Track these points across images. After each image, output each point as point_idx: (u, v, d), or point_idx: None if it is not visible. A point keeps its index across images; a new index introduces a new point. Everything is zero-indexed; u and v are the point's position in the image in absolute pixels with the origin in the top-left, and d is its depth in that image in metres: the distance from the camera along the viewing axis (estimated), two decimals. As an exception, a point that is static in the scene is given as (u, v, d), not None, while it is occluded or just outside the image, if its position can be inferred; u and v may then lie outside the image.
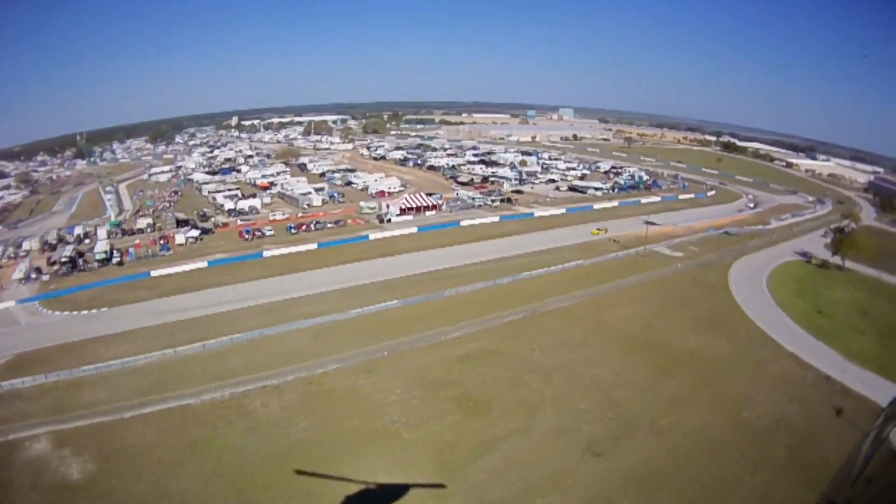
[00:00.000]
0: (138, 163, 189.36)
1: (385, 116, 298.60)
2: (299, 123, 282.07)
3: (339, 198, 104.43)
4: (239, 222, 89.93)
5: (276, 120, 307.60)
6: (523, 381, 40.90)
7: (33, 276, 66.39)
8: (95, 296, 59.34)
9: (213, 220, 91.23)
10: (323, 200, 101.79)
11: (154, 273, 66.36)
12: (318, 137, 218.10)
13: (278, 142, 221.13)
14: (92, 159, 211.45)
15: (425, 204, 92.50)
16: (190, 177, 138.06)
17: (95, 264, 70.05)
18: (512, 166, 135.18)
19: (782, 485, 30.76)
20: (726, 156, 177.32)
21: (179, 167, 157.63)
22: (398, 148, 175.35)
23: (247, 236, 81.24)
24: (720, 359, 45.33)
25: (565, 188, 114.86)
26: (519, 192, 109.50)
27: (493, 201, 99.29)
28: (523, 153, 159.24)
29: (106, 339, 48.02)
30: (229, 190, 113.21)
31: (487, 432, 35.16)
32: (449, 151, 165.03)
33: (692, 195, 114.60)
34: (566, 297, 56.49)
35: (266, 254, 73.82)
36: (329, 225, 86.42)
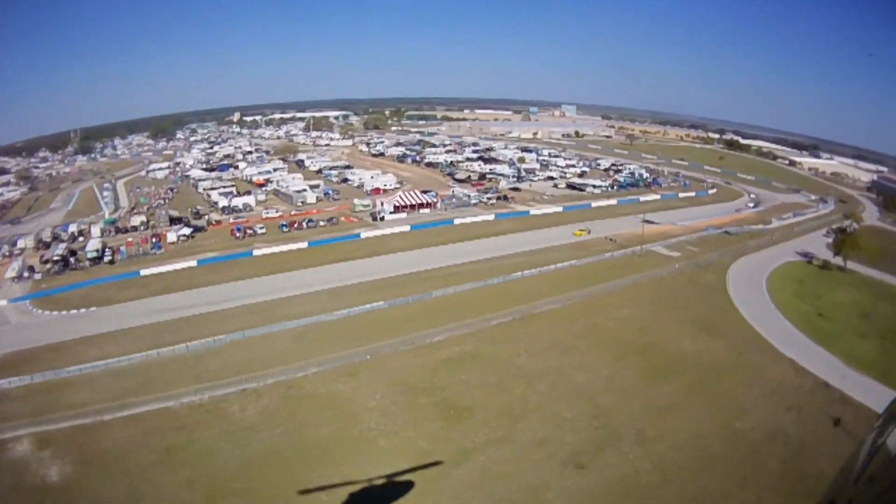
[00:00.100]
0: (138, 159, 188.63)
1: (387, 112, 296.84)
2: (301, 119, 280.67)
3: (334, 195, 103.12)
4: (231, 220, 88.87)
5: (277, 116, 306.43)
6: (507, 387, 39.53)
7: (26, 274, 65.73)
8: (85, 295, 58.81)
9: (206, 217, 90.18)
10: (317, 198, 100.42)
11: (144, 272, 65.58)
12: (318, 134, 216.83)
13: (279, 138, 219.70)
14: (92, 155, 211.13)
15: (420, 201, 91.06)
16: (187, 173, 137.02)
17: (87, 263, 69.34)
18: (511, 163, 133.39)
19: (774, 500, 29.30)
20: (729, 153, 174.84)
21: (178, 164, 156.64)
22: (398, 144, 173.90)
23: (238, 234, 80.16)
24: (715, 364, 43.75)
25: (563, 186, 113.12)
26: (516, 189, 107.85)
27: (488, 199, 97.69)
28: (523, 150, 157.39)
29: (93, 339, 47.61)
30: (224, 187, 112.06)
31: (467, 441, 33.88)
32: (448, 148, 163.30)
33: (693, 193, 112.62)
34: (558, 299, 54.97)
35: (256, 252, 72.76)
36: (321, 223, 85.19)
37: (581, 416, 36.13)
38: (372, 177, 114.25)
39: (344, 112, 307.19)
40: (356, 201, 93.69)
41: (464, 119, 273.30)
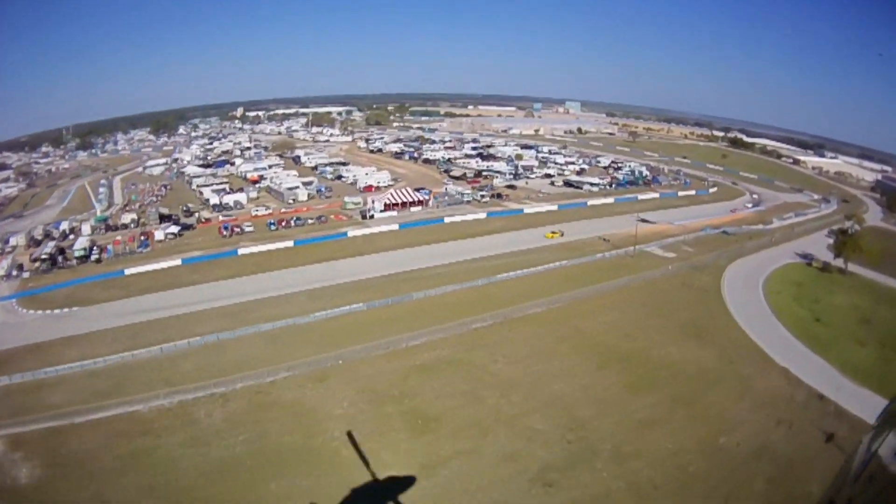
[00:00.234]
0: (138, 154, 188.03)
1: (391, 108, 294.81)
2: (304, 115, 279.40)
3: (326, 192, 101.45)
4: (220, 218, 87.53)
5: (280, 111, 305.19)
6: (480, 396, 37.70)
7: (14, 273, 65.37)
8: (69, 294, 58.52)
9: (197, 215, 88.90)
10: (309, 195, 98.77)
11: (128, 271, 64.92)
12: (318, 129, 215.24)
13: (279, 133, 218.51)
14: (93, 151, 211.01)
15: (411, 199, 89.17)
16: (183, 170, 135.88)
17: (74, 261, 68.67)
18: (508, 160, 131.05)
19: (755, 525, 27.29)
20: (733, 152, 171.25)
21: (176, 160, 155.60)
22: (397, 140, 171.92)
23: (225, 233, 78.79)
24: (702, 374, 41.64)
25: (561, 184, 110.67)
26: (512, 187, 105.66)
27: (482, 197, 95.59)
28: (523, 147, 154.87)
29: (72, 339, 47.14)
30: (218, 184, 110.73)
31: (432, 453, 32.16)
32: (447, 144, 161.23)
33: (693, 192, 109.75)
34: (542, 302, 52.94)
35: (241, 251, 71.46)
36: (310, 221, 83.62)
37: (555, 429, 34.21)
38: (366, 174, 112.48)
39: (347, 108, 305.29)
40: (347, 199, 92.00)
41: (466, 115, 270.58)
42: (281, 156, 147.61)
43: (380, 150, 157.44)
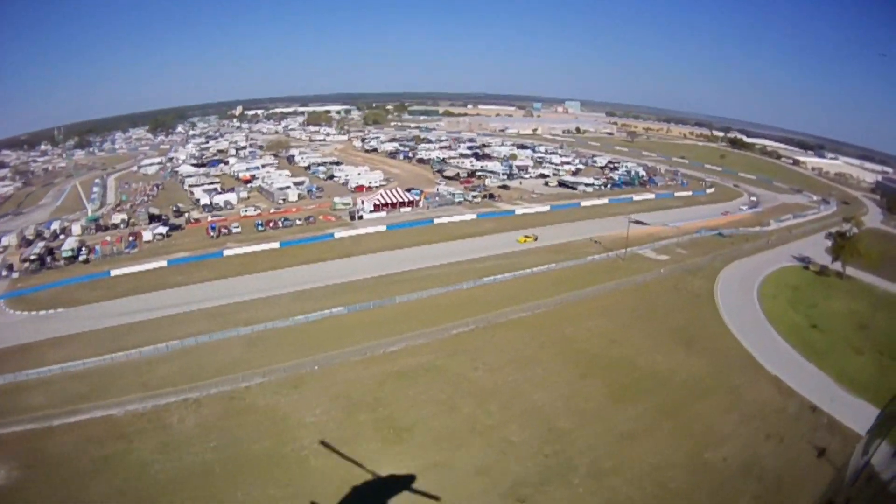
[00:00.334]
0: (135, 153, 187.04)
1: (391, 107, 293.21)
2: (303, 114, 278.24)
3: (317, 192, 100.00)
4: (209, 218, 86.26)
5: (280, 110, 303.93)
6: (456, 406, 36.22)
7: (4, 273, 64.90)
8: (55, 295, 57.85)
9: (186, 215, 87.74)
10: (299, 195, 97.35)
11: (114, 272, 64.13)
12: (315, 129, 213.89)
13: (276, 132, 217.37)
14: (90, 149, 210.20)
15: (401, 200, 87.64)
16: (177, 169, 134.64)
17: (62, 262, 68.02)
18: (503, 160, 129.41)
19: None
20: (732, 152, 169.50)
21: (171, 159, 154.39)
22: (393, 140, 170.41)
23: (212, 233, 77.53)
24: (690, 383, 40.02)
25: (555, 184, 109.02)
26: (505, 187, 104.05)
27: (474, 197, 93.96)
28: (519, 146, 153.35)
29: (55, 341, 46.76)
30: (209, 184, 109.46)
31: (401, 465, 30.60)
32: (443, 144, 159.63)
33: (689, 192, 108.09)
34: (527, 307, 51.39)
35: (227, 252, 70.30)
36: (298, 222, 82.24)
37: (531, 442, 32.65)
38: (359, 174, 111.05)
39: (346, 107, 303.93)
40: (336, 199, 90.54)
41: (465, 115, 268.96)
42: (276, 155, 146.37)
43: (375, 150, 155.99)
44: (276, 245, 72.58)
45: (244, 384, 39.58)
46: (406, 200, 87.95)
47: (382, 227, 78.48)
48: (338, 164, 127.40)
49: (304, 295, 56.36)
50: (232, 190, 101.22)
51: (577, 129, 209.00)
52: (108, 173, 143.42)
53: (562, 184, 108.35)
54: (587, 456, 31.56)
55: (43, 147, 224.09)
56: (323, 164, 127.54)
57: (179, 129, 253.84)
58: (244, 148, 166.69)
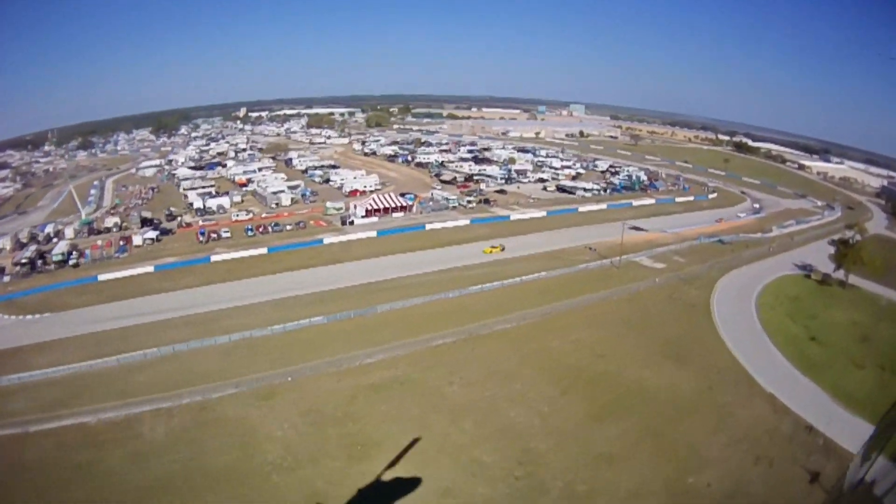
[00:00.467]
0: (136, 155, 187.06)
1: (396, 109, 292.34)
2: (307, 115, 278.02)
3: (311, 197, 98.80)
4: (200, 222, 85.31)
5: (284, 111, 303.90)
6: (428, 422, 34.55)
7: None
8: (44, 300, 57.37)
9: (179, 219, 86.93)
10: (293, 199, 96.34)
11: (102, 277, 63.47)
12: (317, 131, 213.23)
13: (278, 135, 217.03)
14: (92, 151, 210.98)
15: (394, 205, 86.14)
16: (174, 172, 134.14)
17: (52, 266, 67.63)
18: (502, 164, 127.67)
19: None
20: (736, 156, 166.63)
21: (171, 161, 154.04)
22: (394, 143, 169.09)
23: (202, 238, 76.50)
24: (677, 401, 37.97)
25: (554, 188, 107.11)
26: (502, 191, 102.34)
27: (469, 202, 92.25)
28: (520, 150, 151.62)
29: (39, 346, 46.49)
30: (204, 187, 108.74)
31: (364, 484, 29.03)
32: (443, 147, 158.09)
33: (691, 197, 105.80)
34: (513, 317, 49.57)
35: (214, 258, 69.25)
36: (288, 227, 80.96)
37: (503, 463, 30.86)
38: (355, 178, 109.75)
39: (350, 109, 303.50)
40: (329, 204, 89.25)
41: (468, 117, 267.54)
42: (274, 158, 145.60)
43: (374, 153, 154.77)
44: (264, 251, 71.27)
45: (216, 395, 38.73)
46: (399, 205, 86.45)
47: (373, 233, 77.08)
48: (335, 167, 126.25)
49: (286, 303, 55.21)
50: (226, 194, 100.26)
51: (581, 133, 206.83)
52: (106, 175, 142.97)
53: (560, 188, 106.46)
54: (561, 479, 29.72)
55: (46, 148, 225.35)
56: (320, 167, 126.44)
57: (183, 130, 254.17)
58: (244, 150, 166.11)
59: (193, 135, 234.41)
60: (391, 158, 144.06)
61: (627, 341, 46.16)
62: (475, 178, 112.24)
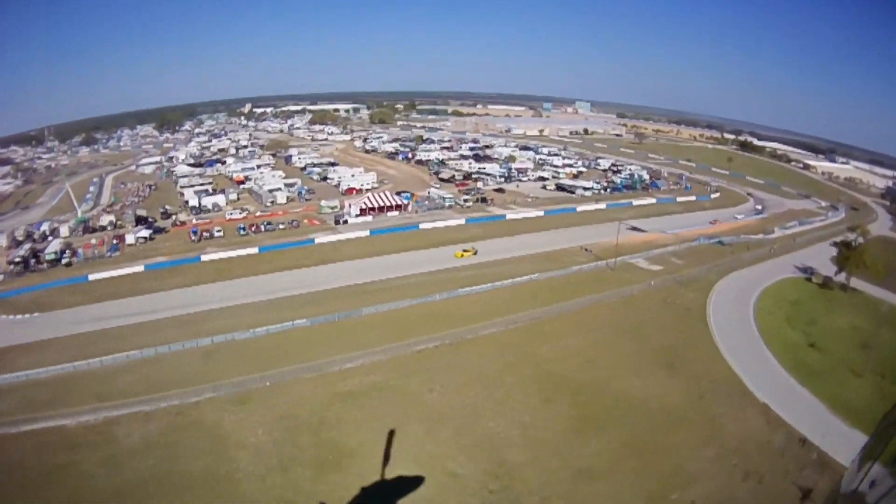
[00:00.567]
0: (138, 151, 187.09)
1: (401, 106, 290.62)
2: (311, 112, 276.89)
3: (307, 195, 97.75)
4: (195, 221, 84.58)
5: (290, 107, 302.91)
6: (404, 431, 33.33)
7: None
8: (34, 299, 57.06)
9: (173, 217, 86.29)
10: (288, 197, 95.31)
11: (92, 276, 62.81)
12: (320, 128, 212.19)
13: (281, 131, 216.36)
14: (95, 147, 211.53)
15: (389, 203, 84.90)
16: (173, 169, 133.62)
17: (45, 265, 67.23)
18: (503, 162, 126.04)
19: None
20: (741, 155, 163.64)
21: (171, 158, 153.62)
22: (396, 140, 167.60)
23: (194, 237, 75.73)
24: (666, 412, 36.57)
25: (553, 187, 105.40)
26: (500, 190, 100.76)
27: (465, 201, 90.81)
28: (522, 148, 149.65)
29: (26, 347, 46.34)
30: (201, 185, 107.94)
31: (332, 496, 28.08)
32: (445, 144, 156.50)
33: (693, 197, 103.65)
34: (500, 321, 48.22)
35: (204, 258, 68.42)
36: (281, 226, 79.95)
37: (477, 476, 29.69)
38: (352, 175, 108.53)
39: (355, 105, 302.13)
40: (323, 203, 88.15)
41: (473, 114, 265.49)
42: (274, 155, 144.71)
43: (375, 150, 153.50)
44: (254, 250, 70.27)
45: (193, 399, 38.21)
46: (393, 204, 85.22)
47: (365, 233, 75.89)
48: (333, 165, 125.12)
49: (271, 304, 54.32)
50: (222, 192, 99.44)
51: (585, 131, 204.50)
52: (106, 172, 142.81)
53: (560, 187, 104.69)
54: (537, 494, 28.53)
55: (49, 144, 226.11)
56: (318, 165, 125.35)
57: (187, 126, 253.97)
58: (245, 147, 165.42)
59: (197, 131, 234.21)
60: (391, 156, 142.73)
61: (618, 348, 44.78)
62: (474, 176, 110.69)
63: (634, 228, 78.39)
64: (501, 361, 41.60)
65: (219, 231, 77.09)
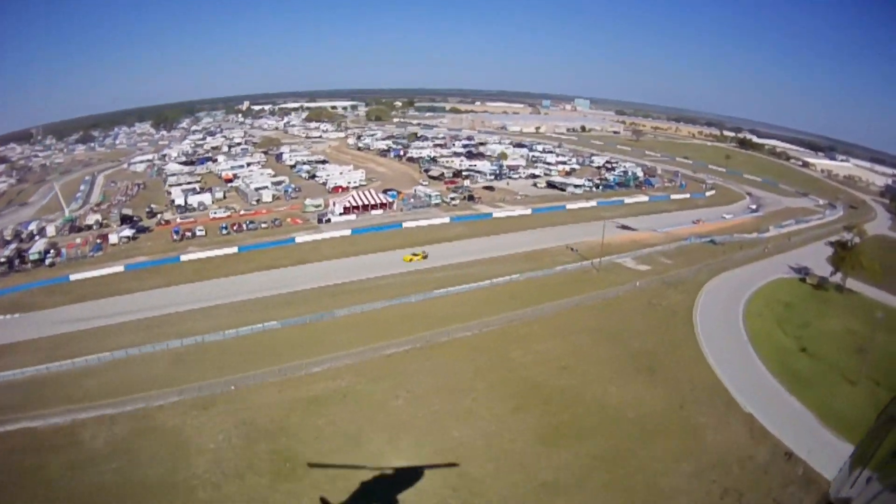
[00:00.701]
0: (133, 149, 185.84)
1: (399, 103, 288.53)
2: (309, 109, 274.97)
3: (293, 193, 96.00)
4: (178, 220, 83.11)
5: (289, 105, 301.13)
6: (364, 440, 31.91)
7: None
8: (16, 300, 56.74)
9: (159, 216, 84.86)
10: (274, 196, 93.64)
11: (73, 276, 62.30)
12: (315, 125, 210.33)
13: (276, 129, 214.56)
14: (91, 145, 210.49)
15: (373, 202, 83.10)
16: (164, 167, 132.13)
17: (30, 265, 66.69)
18: (494, 160, 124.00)
19: None
20: (739, 152, 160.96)
21: (164, 156, 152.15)
22: (391, 137, 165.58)
23: (176, 237, 74.28)
24: (642, 422, 34.63)
25: (544, 184, 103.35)
26: (490, 188, 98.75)
27: (452, 199, 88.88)
28: (516, 145, 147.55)
29: (4, 348, 46.12)
30: (188, 183, 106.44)
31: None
32: (437, 142, 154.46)
33: (688, 195, 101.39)
34: (475, 324, 46.37)
35: (184, 258, 67.31)
36: (263, 225, 78.31)
37: (436, 489, 27.66)
38: (341, 173, 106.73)
39: (353, 102, 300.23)
40: (308, 201, 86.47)
41: (471, 111, 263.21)
42: (266, 152, 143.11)
43: (367, 148, 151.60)
44: (234, 250, 68.91)
45: (158, 402, 37.59)
46: (378, 202, 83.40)
47: (347, 232, 74.11)
48: (323, 162, 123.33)
49: (245, 305, 53.18)
50: (209, 190, 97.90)
51: (582, 128, 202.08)
52: (99, 170, 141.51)
53: (550, 185, 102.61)
54: (497, 512, 26.72)
55: (47, 141, 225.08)
56: (308, 162, 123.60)
57: (183, 124, 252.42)
58: (237, 145, 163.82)
59: (193, 128, 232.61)
60: (383, 153, 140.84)
61: (596, 352, 42.87)
62: (464, 173, 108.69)
63: (625, 227, 76.53)
64: (473, 366, 39.80)
65: (201, 230, 75.69)
